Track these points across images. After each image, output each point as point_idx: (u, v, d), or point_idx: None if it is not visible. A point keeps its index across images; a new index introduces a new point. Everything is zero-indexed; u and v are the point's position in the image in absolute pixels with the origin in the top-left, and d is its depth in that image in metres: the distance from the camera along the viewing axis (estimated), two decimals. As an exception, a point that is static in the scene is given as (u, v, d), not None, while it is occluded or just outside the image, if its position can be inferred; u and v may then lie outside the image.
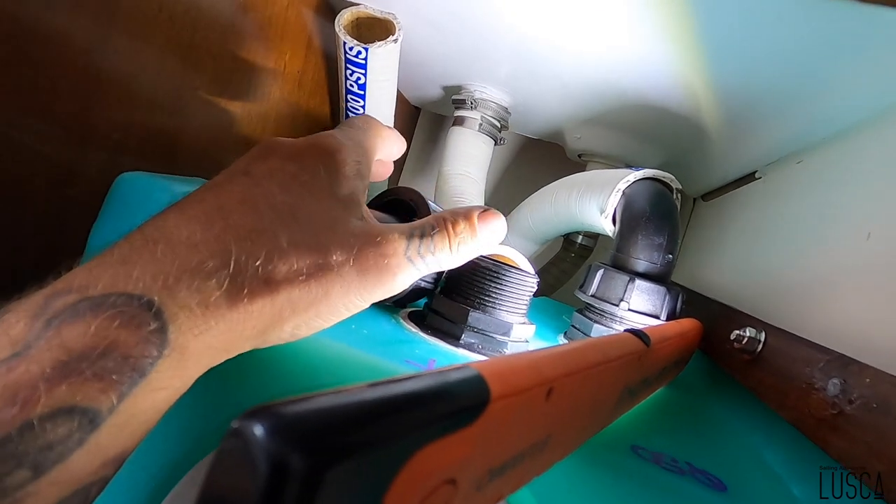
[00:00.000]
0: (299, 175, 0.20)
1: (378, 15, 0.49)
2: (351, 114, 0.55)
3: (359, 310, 0.20)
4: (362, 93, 0.53)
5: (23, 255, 0.31)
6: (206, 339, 0.17)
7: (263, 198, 0.19)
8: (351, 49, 0.49)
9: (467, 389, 0.11)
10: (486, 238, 0.23)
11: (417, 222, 0.22)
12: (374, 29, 0.50)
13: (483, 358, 0.30)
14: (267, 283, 0.17)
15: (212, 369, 0.23)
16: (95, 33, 0.31)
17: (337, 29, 0.48)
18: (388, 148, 0.27)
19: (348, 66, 0.51)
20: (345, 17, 0.49)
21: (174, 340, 0.16)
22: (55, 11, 0.28)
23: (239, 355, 0.24)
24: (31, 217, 0.31)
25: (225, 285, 0.17)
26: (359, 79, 0.51)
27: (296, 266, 0.18)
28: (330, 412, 0.08)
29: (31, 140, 0.29)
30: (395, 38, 0.48)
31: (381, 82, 0.52)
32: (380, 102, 0.54)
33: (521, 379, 0.12)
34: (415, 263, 0.21)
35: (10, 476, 0.13)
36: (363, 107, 0.54)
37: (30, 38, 0.28)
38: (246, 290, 0.17)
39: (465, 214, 0.22)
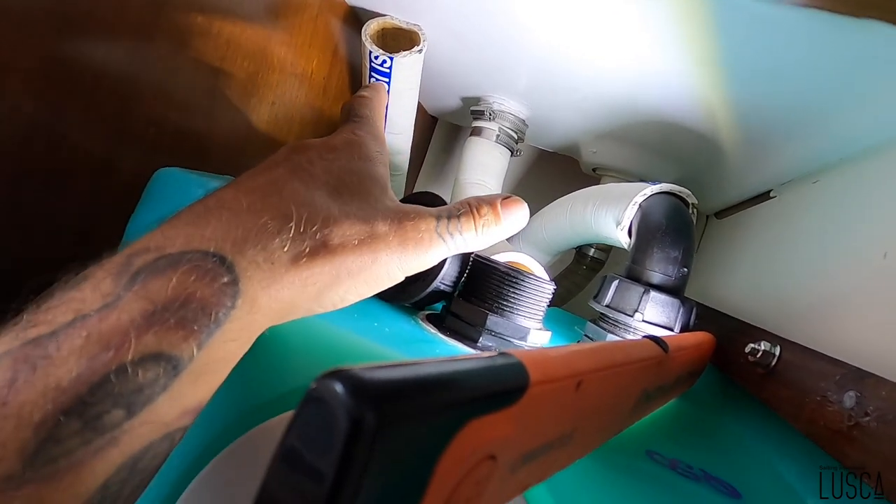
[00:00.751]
0: (337, 161, 0.22)
1: (403, 26, 0.51)
2: None
3: (396, 281, 0.22)
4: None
5: (60, 242, 0.33)
6: (272, 293, 0.18)
7: (310, 177, 0.21)
8: (376, 58, 0.50)
9: (511, 373, 0.11)
10: (510, 223, 0.24)
11: (445, 207, 0.23)
12: (399, 39, 0.52)
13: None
14: (325, 246, 0.19)
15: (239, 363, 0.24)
16: (137, 36, 0.33)
17: (364, 38, 0.50)
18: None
19: (373, 74, 0.52)
20: (371, 27, 0.50)
21: (245, 292, 0.17)
22: (102, 12, 0.30)
23: (264, 348, 0.25)
24: (72, 206, 0.32)
25: (287, 245, 0.18)
26: None
27: (349, 233, 0.19)
28: (400, 380, 0.08)
29: (74, 133, 0.31)
30: (419, 48, 0.49)
31: (404, 91, 0.53)
32: (402, 111, 0.56)
33: (556, 368, 0.13)
34: (444, 240, 0.22)
35: (109, 415, 0.14)
36: (385, 115, 0.56)
37: (76, 36, 0.29)
38: (307, 250, 0.18)
39: (490, 201, 0.24)
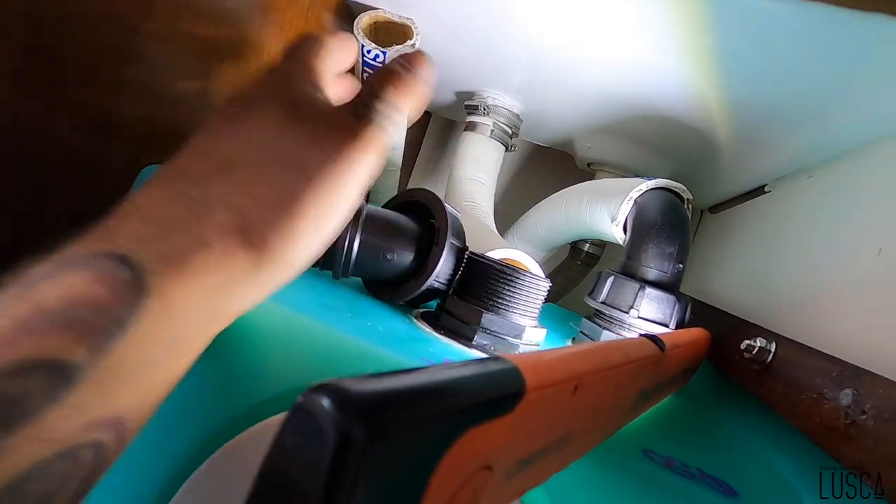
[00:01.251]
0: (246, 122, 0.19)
1: (396, 19, 0.50)
2: None
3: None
4: None
5: (48, 240, 0.32)
6: (192, 284, 0.16)
7: (214, 154, 0.18)
8: (369, 52, 0.49)
9: (506, 379, 0.11)
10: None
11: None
12: (392, 33, 0.51)
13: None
14: (239, 230, 0.17)
15: (224, 361, 0.24)
16: (125, 33, 0.32)
17: (355, 32, 0.49)
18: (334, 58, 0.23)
19: (365, 68, 0.51)
20: (363, 21, 0.50)
21: (153, 288, 0.15)
22: (88, 9, 0.29)
23: (255, 349, 0.24)
24: (60, 204, 0.32)
25: (199, 232, 0.17)
26: None
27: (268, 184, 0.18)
28: (390, 391, 0.08)
29: (62, 131, 0.30)
30: (412, 42, 0.49)
31: None
32: None
33: (552, 373, 0.13)
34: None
35: None
36: None
37: (61, 35, 0.28)
38: (219, 234, 0.17)
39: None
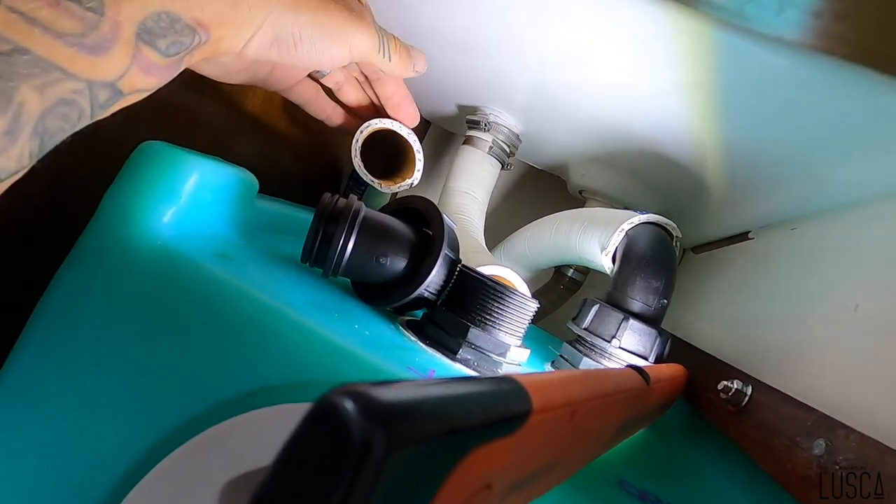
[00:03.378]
0: None
1: (402, 133, 0.43)
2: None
3: (342, 38, 0.30)
4: None
5: (34, 209, 0.31)
6: None
7: None
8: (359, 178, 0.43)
9: (516, 399, 0.11)
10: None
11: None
12: (393, 140, 0.43)
13: (476, 374, 0.31)
14: None
15: (207, 350, 0.23)
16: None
17: (353, 153, 0.42)
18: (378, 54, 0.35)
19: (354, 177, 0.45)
20: (363, 136, 0.42)
21: None
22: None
23: (241, 341, 0.23)
24: (47, 175, 0.31)
25: None
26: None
27: None
28: (412, 401, 0.08)
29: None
30: (411, 181, 0.43)
31: None
32: None
33: (555, 396, 0.13)
34: (377, 31, 0.33)
35: None
36: None
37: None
38: None
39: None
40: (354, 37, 0.31)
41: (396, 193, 0.44)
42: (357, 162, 0.42)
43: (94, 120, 0.21)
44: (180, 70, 0.24)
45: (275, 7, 0.26)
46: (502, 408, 0.10)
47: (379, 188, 0.44)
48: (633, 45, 0.38)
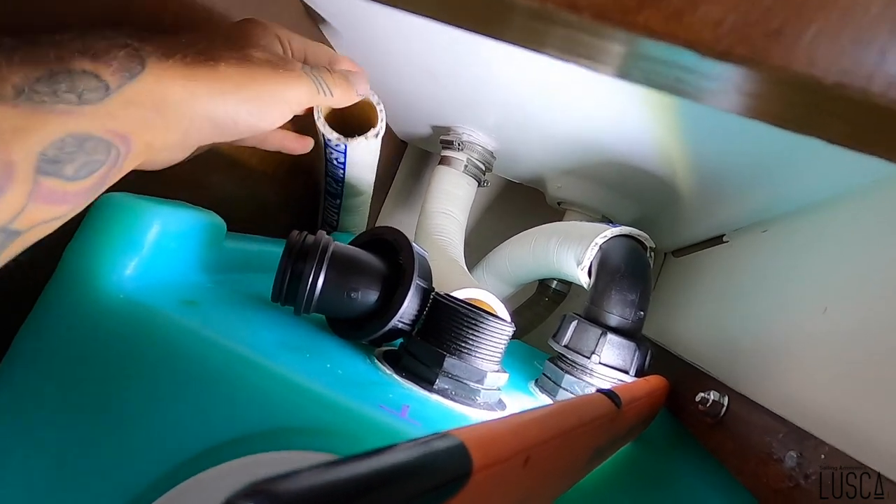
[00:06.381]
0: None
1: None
2: (332, 164, 0.52)
3: (279, 107, 0.30)
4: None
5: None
6: (176, 73, 0.25)
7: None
8: (330, 141, 0.45)
9: (451, 461, 0.11)
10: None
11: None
12: (358, 108, 0.43)
13: (455, 405, 0.30)
14: (212, 58, 0.26)
15: (173, 403, 0.23)
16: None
17: (316, 118, 0.42)
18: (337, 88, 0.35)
19: (328, 148, 0.47)
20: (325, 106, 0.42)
21: (151, 66, 0.24)
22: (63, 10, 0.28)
23: (209, 392, 0.23)
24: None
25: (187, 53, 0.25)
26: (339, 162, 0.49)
27: (230, 54, 0.27)
28: (320, 492, 0.08)
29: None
30: (376, 132, 0.44)
31: (361, 167, 0.49)
32: (359, 181, 0.52)
33: (501, 447, 0.13)
34: (311, 76, 0.32)
35: (66, 93, 0.21)
36: (343, 181, 0.52)
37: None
38: (200, 57, 0.26)
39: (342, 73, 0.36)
40: (288, 93, 0.30)
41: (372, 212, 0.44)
42: (321, 122, 0.42)
43: None
44: (106, 186, 0.23)
45: (201, 95, 0.25)
46: (436, 473, 0.10)
47: (348, 144, 0.43)
48: (599, 79, 0.39)
